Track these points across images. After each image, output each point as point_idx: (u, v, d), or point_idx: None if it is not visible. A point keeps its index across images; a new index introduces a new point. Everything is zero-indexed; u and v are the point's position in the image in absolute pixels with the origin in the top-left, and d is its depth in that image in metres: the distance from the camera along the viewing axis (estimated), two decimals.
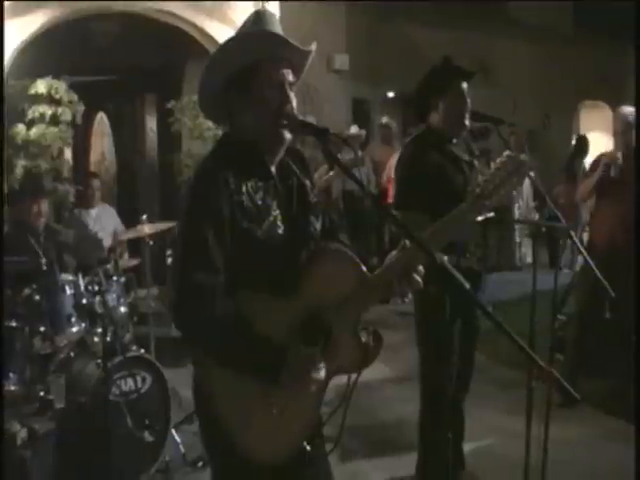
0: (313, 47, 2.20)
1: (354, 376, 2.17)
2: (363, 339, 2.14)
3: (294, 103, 2.12)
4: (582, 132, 15.68)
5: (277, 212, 2.13)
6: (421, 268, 2.10)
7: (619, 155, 4.88)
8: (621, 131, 5.07)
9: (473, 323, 3.79)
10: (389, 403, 5.25)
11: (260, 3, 8.15)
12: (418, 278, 2.09)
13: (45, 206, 4.96)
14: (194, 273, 1.97)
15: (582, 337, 5.23)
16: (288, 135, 2.13)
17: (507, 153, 2.28)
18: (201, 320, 1.99)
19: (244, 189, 2.08)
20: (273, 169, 2.19)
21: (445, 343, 3.62)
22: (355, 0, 10.61)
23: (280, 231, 2.12)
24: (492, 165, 2.28)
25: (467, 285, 1.87)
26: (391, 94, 13.30)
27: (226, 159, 2.11)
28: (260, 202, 2.10)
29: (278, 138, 2.14)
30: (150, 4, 7.95)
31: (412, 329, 3.84)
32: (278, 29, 2.14)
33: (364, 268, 2.12)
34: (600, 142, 12.72)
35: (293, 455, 2.12)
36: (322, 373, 2.05)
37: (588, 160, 5.70)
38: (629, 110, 5.06)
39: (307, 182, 2.28)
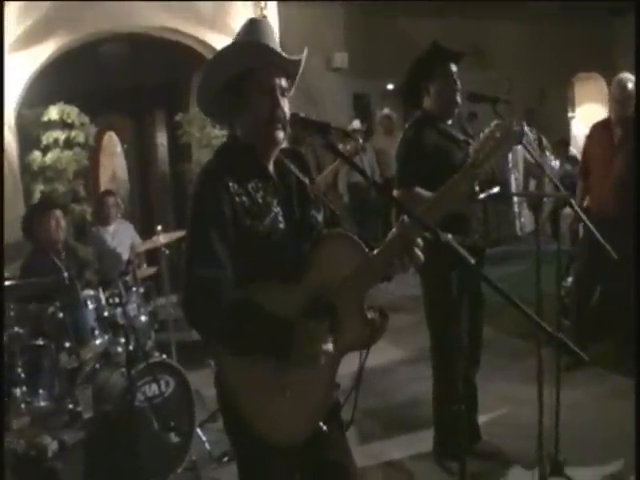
0: (304, 54, 2.30)
1: (364, 354, 2.22)
2: (369, 316, 2.19)
3: (286, 107, 2.21)
4: (577, 104, 15.70)
5: (278, 209, 2.22)
6: (420, 241, 2.13)
7: None
8: (620, 98, 5.09)
9: (479, 299, 3.91)
10: (403, 384, 5.33)
11: (259, 9, 8.33)
12: (418, 252, 2.14)
13: (62, 220, 5.04)
14: (199, 268, 2.07)
15: (583, 302, 5.33)
16: (281, 136, 2.22)
17: (495, 122, 2.35)
18: (210, 309, 2.06)
19: (245, 190, 2.17)
20: (271, 169, 2.28)
21: (453, 320, 3.70)
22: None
23: (282, 226, 2.21)
24: (481, 135, 2.33)
25: (472, 260, 1.90)
26: (390, 86, 13.38)
27: (226, 164, 2.21)
28: (261, 200, 2.20)
29: (270, 140, 2.22)
30: (151, 22, 8.12)
31: (421, 312, 3.96)
32: (271, 37, 2.24)
33: (364, 246, 2.19)
34: (595, 112, 12.71)
35: (310, 436, 2.19)
36: (330, 348, 2.08)
37: (583, 131, 5.74)
38: (627, 77, 5.10)
39: (306, 179, 2.35)
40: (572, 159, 9.68)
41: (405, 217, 2.14)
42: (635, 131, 4.91)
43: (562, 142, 10.74)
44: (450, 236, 1.88)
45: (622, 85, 5.08)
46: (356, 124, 8.49)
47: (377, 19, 13.23)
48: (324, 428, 2.23)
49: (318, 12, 11.70)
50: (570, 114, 15.43)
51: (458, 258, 1.86)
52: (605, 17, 15.55)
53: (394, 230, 2.17)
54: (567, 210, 4.68)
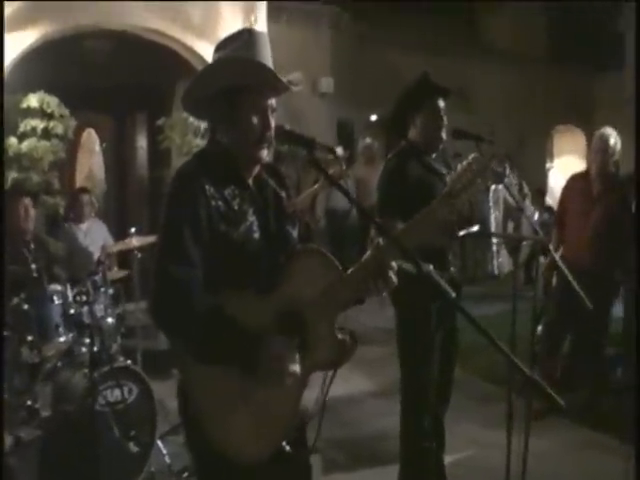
0: (298, 77, 2.30)
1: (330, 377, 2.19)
2: (339, 336, 2.17)
3: (273, 128, 2.20)
4: (556, 155, 16.03)
5: (253, 218, 2.21)
6: (394, 265, 2.13)
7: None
8: (599, 150, 5.13)
9: (454, 335, 3.85)
10: (371, 416, 5.26)
11: (249, 23, 8.32)
12: (392, 276, 2.12)
13: (32, 210, 4.95)
14: (170, 266, 2.04)
15: (553, 351, 5.33)
16: (265, 154, 2.23)
17: (473, 155, 2.38)
18: (178, 310, 2.02)
19: (221, 195, 2.15)
20: (250, 182, 2.27)
21: (427, 355, 3.67)
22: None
23: (256, 236, 2.20)
24: (459, 166, 2.35)
25: (452, 294, 1.89)
26: (374, 117, 13.49)
27: (204, 167, 2.19)
28: (237, 207, 2.18)
29: (255, 157, 2.23)
30: (140, 23, 8.07)
31: (393, 344, 3.90)
32: (269, 54, 2.23)
33: (339, 265, 2.17)
34: (573, 164, 12.98)
35: (273, 455, 2.14)
36: (298, 367, 2.07)
37: (560, 183, 5.80)
38: (609, 132, 5.15)
39: (283, 194, 2.35)
40: (548, 209, 9.80)
41: (381, 240, 2.13)
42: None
43: (539, 192, 10.89)
44: (432, 267, 1.86)
45: (604, 139, 5.12)
46: (339, 151, 8.46)
47: (365, 48, 13.38)
48: (287, 448, 2.19)
49: (307, 34, 11.80)
50: (548, 165, 15.71)
51: (439, 290, 1.85)
52: (590, 72, 15.95)
53: (369, 252, 2.16)
54: (541, 259, 4.74)
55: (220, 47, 2.27)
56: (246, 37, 2.23)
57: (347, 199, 2.16)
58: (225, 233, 2.13)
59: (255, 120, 2.18)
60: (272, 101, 2.23)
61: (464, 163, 2.34)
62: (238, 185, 2.23)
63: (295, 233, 2.37)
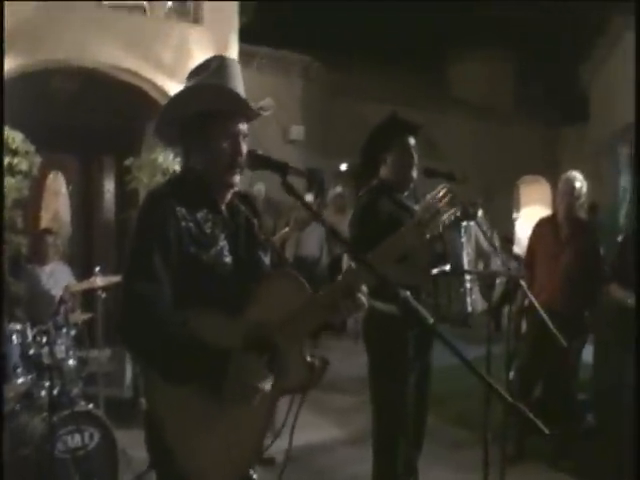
0: (268, 102, 2.29)
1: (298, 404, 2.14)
2: (308, 359, 2.14)
3: (244, 153, 2.21)
4: (522, 205, 16.29)
5: (224, 242, 2.21)
6: (365, 288, 2.12)
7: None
8: (565, 192, 5.16)
9: (425, 382, 3.81)
10: (343, 464, 5.14)
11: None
12: (362, 298, 2.11)
13: None
14: (137, 283, 2.02)
15: (525, 394, 5.25)
16: (237, 180, 2.24)
17: (442, 186, 2.41)
18: (144, 326, 1.99)
19: (193, 218, 2.15)
20: (223, 207, 2.27)
21: (400, 399, 3.61)
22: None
23: (227, 260, 2.19)
24: (428, 196, 2.40)
25: (431, 319, 1.83)
26: (344, 166, 13.60)
27: (176, 191, 2.18)
28: (208, 231, 2.18)
29: (227, 184, 2.24)
30: (111, 61, 8.01)
31: (365, 393, 3.83)
32: (240, 80, 2.25)
33: (308, 288, 2.15)
34: (539, 214, 13.21)
35: None
36: (267, 385, 2.03)
37: (527, 232, 5.84)
38: (575, 175, 5.19)
39: (255, 221, 2.35)
40: (516, 257, 9.84)
41: (352, 264, 2.13)
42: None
43: (506, 239, 10.95)
44: (408, 293, 1.82)
45: (570, 183, 5.14)
46: (309, 198, 8.47)
47: (336, 97, 13.56)
48: (254, 477, 2.17)
49: (277, 81, 11.93)
50: (515, 214, 15.90)
51: (416, 316, 1.80)
52: (556, 122, 16.30)
53: (341, 275, 2.16)
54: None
55: (192, 74, 2.30)
56: (217, 64, 2.25)
57: (320, 223, 2.18)
58: (195, 255, 2.12)
59: (226, 145, 2.20)
60: (244, 127, 2.24)
61: (433, 192, 2.38)
62: (211, 209, 2.23)
63: (267, 260, 2.35)
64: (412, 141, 3.81)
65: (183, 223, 2.12)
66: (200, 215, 2.18)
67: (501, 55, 17.44)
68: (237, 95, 2.20)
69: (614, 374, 5.01)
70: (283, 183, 2.08)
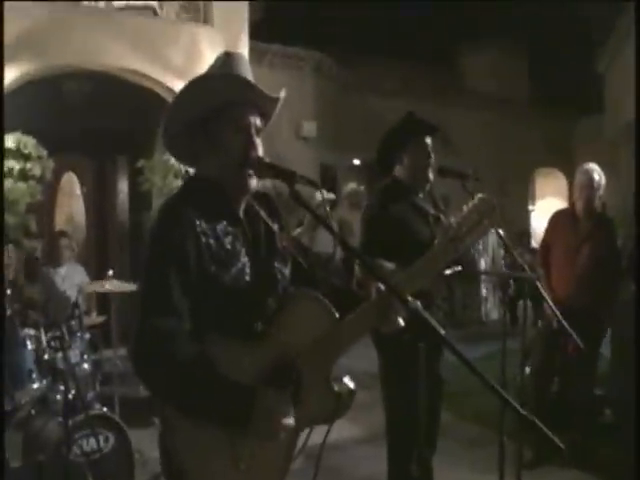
0: (282, 94, 2.13)
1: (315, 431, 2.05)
2: (335, 388, 2.03)
3: (260, 149, 2.05)
4: (537, 198, 16.18)
5: (246, 259, 2.03)
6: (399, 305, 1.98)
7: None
8: (585, 185, 5.06)
9: (439, 380, 3.77)
10: (358, 462, 5.15)
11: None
12: (399, 318, 2.04)
13: (12, 256, 4.88)
14: (154, 316, 1.85)
15: (541, 394, 5.21)
16: (254, 184, 2.06)
17: (480, 196, 2.24)
18: (162, 363, 1.83)
19: (213, 232, 1.97)
20: (241, 214, 2.10)
21: (412, 400, 3.52)
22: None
23: (247, 277, 2.02)
24: (464, 208, 2.21)
25: (442, 330, 1.76)
26: (357, 161, 13.55)
27: (192, 200, 2.00)
28: (229, 247, 2.00)
29: (243, 185, 2.05)
30: (120, 64, 8.02)
31: (379, 389, 3.79)
32: (248, 72, 2.09)
33: (335, 312, 2.02)
34: (555, 206, 13.17)
35: None
36: (291, 421, 1.88)
37: (543, 225, 5.74)
38: (593, 167, 5.11)
39: (275, 226, 2.17)
40: (533, 251, 9.77)
41: (381, 286, 2.02)
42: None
43: (524, 233, 10.89)
44: (419, 303, 1.77)
45: (588, 174, 5.05)
46: (328, 194, 8.44)
47: (348, 92, 13.50)
48: None
49: (289, 78, 11.89)
50: (530, 207, 15.81)
51: (427, 327, 1.74)
52: (571, 114, 16.12)
53: (369, 300, 2.06)
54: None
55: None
56: (222, 58, 2.11)
57: (332, 236, 1.98)
58: (215, 275, 1.95)
59: (237, 139, 2.02)
60: (256, 119, 2.06)
61: (470, 204, 2.21)
62: (230, 219, 2.05)
63: (287, 271, 2.19)
64: (429, 141, 3.73)
65: (203, 239, 1.94)
66: (220, 227, 2.00)
67: (515, 47, 17.27)
68: (247, 81, 2.04)
69: (632, 369, 4.94)
70: (291, 192, 1.94)
